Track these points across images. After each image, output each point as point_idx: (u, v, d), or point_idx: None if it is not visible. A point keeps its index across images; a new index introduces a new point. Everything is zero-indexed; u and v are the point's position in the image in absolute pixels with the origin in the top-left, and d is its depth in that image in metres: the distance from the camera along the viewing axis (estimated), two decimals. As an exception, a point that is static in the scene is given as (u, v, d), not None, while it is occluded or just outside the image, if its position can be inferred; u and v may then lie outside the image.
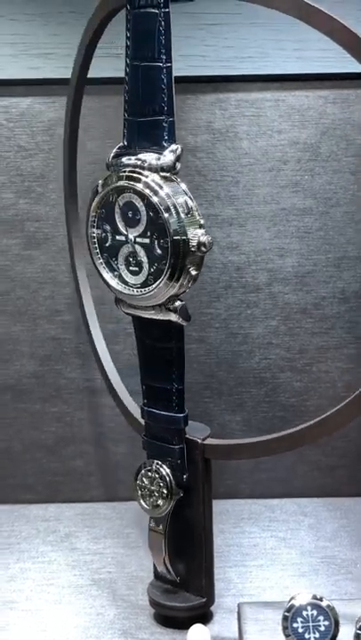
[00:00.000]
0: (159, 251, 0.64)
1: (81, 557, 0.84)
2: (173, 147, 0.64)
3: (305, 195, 0.88)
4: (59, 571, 0.82)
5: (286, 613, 0.61)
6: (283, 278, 0.90)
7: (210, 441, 0.70)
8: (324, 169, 0.88)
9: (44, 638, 0.72)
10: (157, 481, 0.71)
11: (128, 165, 0.65)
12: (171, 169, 0.64)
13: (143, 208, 0.64)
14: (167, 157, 0.64)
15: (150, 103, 0.64)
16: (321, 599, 0.62)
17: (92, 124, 0.87)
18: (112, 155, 0.67)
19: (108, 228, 0.67)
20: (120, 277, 0.67)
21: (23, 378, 0.92)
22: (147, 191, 0.63)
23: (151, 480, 0.71)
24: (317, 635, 0.61)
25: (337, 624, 0.61)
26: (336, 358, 0.91)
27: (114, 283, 0.68)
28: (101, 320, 0.82)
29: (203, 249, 0.64)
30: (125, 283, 0.67)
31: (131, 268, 0.66)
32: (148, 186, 0.63)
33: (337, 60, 0.85)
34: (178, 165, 0.64)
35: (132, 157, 0.65)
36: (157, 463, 0.71)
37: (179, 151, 0.64)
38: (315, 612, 0.61)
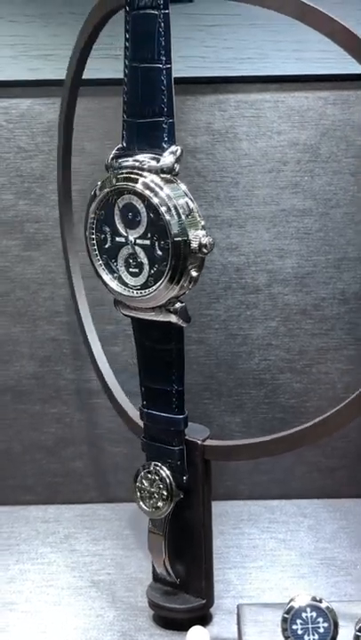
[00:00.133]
0: (160, 252, 0.64)
1: (80, 559, 0.84)
2: (173, 148, 0.64)
3: (305, 196, 0.88)
4: (58, 572, 0.82)
5: (286, 615, 0.61)
6: (282, 279, 0.90)
7: (210, 442, 0.70)
8: (323, 170, 0.88)
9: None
10: (157, 483, 0.70)
11: (127, 167, 0.65)
12: (170, 170, 0.63)
13: (143, 209, 0.64)
14: (167, 159, 0.63)
15: (150, 104, 0.64)
16: (320, 601, 0.61)
17: (91, 126, 0.87)
18: (111, 156, 0.66)
19: (107, 229, 0.67)
20: (120, 279, 0.67)
21: (23, 379, 0.92)
22: (147, 192, 0.63)
23: (151, 482, 0.71)
24: (317, 636, 0.61)
25: (336, 626, 0.61)
26: (336, 359, 0.91)
27: (113, 284, 0.67)
28: (100, 322, 0.82)
29: (204, 250, 0.63)
30: (125, 284, 0.67)
31: (131, 269, 0.66)
32: (148, 187, 0.63)
33: (337, 61, 0.85)
34: (177, 167, 0.64)
35: (131, 159, 0.65)
36: (157, 465, 0.71)
37: (179, 152, 0.64)
38: (314, 614, 0.61)
